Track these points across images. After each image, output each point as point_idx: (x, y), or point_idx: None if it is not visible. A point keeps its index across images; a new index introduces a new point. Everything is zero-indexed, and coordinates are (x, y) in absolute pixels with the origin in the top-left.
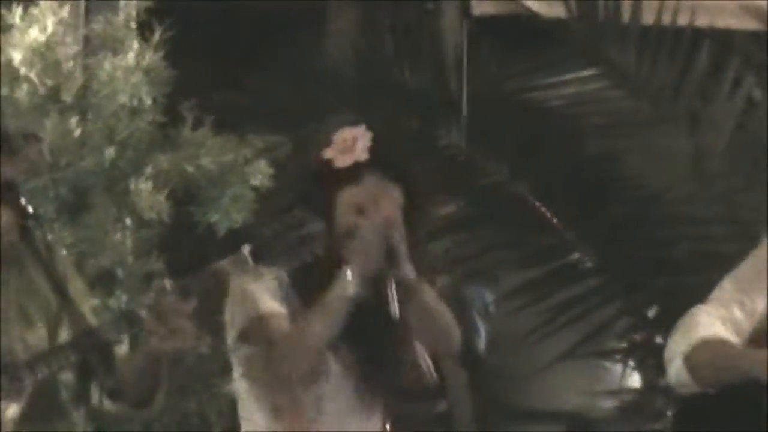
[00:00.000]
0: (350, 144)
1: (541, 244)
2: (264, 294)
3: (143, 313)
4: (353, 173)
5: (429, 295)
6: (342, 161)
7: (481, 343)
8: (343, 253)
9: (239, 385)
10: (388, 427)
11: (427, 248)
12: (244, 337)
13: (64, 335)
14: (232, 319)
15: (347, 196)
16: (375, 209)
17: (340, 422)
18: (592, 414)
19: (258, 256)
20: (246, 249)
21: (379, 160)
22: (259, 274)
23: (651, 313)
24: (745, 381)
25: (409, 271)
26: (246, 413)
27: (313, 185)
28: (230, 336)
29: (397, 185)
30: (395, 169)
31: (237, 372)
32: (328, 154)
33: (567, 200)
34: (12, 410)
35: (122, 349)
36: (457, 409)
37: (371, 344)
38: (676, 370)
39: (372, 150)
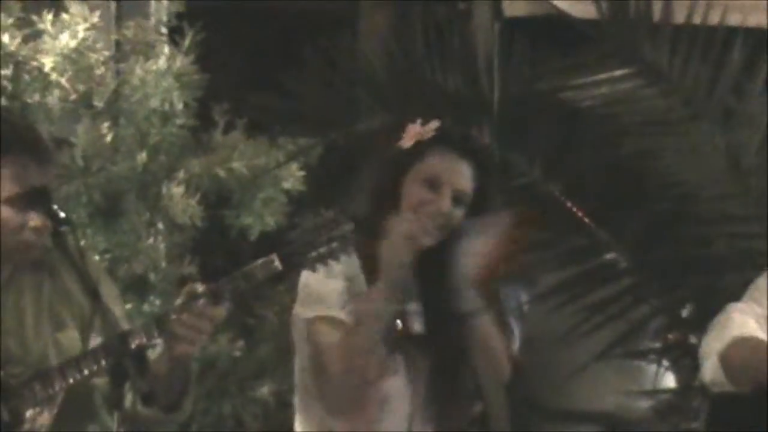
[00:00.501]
0: (416, 132)
1: (575, 244)
2: (327, 295)
3: (170, 317)
4: (419, 151)
5: (485, 322)
6: (407, 142)
7: (514, 342)
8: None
9: (300, 376)
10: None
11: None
12: (306, 335)
13: (96, 340)
14: (297, 310)
15: (414, 174)
16: (446, 183)
17: (401, 425)
18: (628, 414)
19: (288, 261)
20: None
21: (445, 138)
22: (330, 271)
23: (685, 312)
24: None
25: (470, 296)
26: (303, 405)
27: (382, 178)
28: (293, 324)
29: (464, 161)
30: (463, 144)
31: (299, 364)
32: (403, 141)
33: (600, 200)
34: (45, 416)
35: (155, 353)
36: (493, 410)
37: (442, 353)
38: (711, 369)
39: (438, 130)
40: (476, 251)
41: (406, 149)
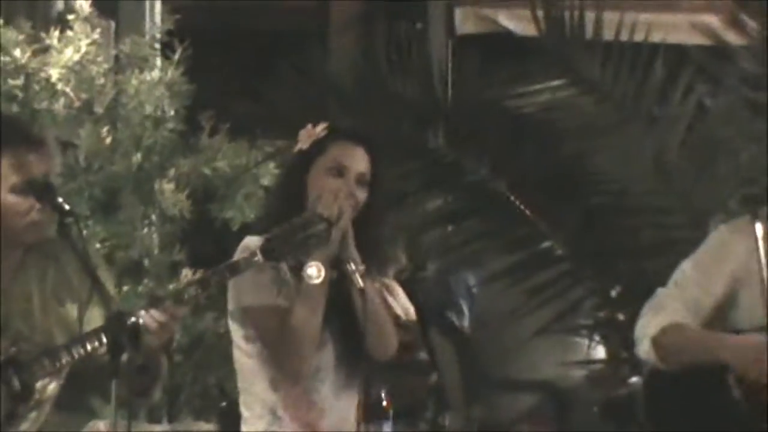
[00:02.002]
0: (310, 133)
1: (518, 234)
2: (261, 285)
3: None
4: (318, 147)
5: (374, 297)
6: (305, 143)
7: (465, 320)
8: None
9: (238, 359)
10: (385, 396)
11: (384, 232)
12: (237, 319)
13: (96, 319)
14: (230, 303)
15: (317, 167)
16: (349, 167)
17: (335, 393)
18: (565, 382)
19: (267, 253)
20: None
21: (340, 131)
22: (260, 267)
23: (615, 293)
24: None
25: (357, 261)
26: (245, 384)
27: (288, 177)
28: (230, 318)
29: (360, 147)
30: (356, 133)
31: (236, 347)
32: (298, 145)
33: (540, 195)
34: (52, 386)
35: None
36: (447, 381)
37: (349, 319)
38: (644, 349)
39: (329, 128)
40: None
41: (305, 149)
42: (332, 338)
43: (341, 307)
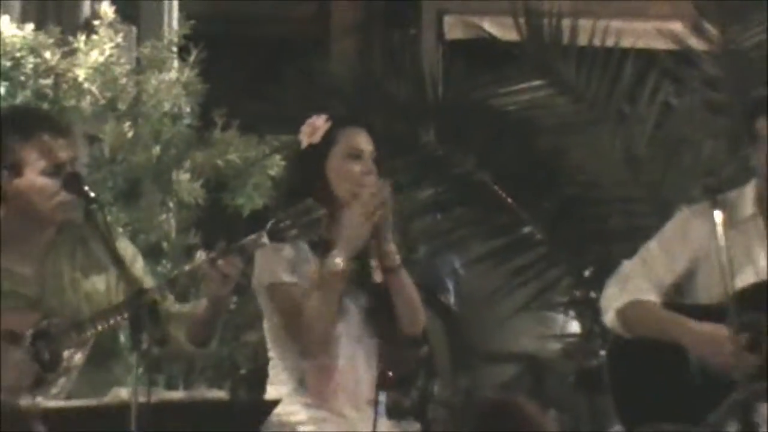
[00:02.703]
0: (314, 127)
1: (500, 220)
2: (279, 265)
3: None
4: (328, 137)
5: (405, 276)
6: (316, 138)
7: (451, 298)
8: (334, 232)
9: (269, 329)
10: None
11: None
12: (262, 295)
13: (120, 295)
14: (258, 281)
15: (334, 155)
16: (364, 149)
17: (352, 363)
18: (543, 354)
19: (273, 235)
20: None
21: (343, 119)
22: (280, 248)
23: (587, 274)
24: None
25: (392, 251)
26: (275, 353)
27: (311, 172)
28: (257, 293)
29: (364, 130)
30: (357, 118)
31: (267, 319)
32: (304, 142)
33: (521, 186)
34: (78, 356)
35: (170, 304)
36: (435, 353)
37: (374, 297)
38: (610, 319)
39: (332, 118)
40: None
41: (317, 142)
42: (358, 314)
43: (368, 286)
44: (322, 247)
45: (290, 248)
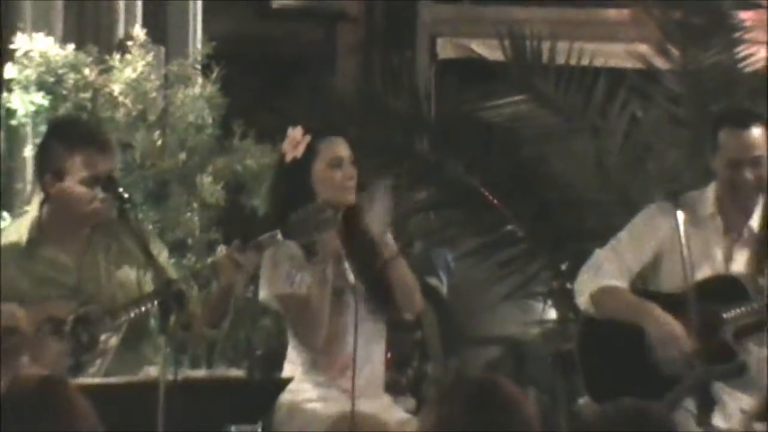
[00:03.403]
0: (294, 140)
1: (486, 219)
2: (279, 279)
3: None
4: (310, 149)
5: (403, 265)
6: (299, 151)
7: (444, 288)
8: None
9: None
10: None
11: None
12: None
13: (148, 285)
14: (264, 293)
15: (318, 164)
16: (344, 156)
17: (362, 347)
18: (524, 338)
19: (287, 234)
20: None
21: (322, 130)
22: (278, 263)
23: (564, 267)
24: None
25: (388, 243)
26: (293, 343)
27: (297, 183)
28: (261, 294)
29: (340, 138)
30: (331, 127)
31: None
32: (289, 155)
33: (505, 189)
34: (113, 339)
35: (194, 292)
36: (428, 337)
37: (373, 285)
38: (583, 301)
39: (309, 130)
40: (382, 209)
41: (300, 157)
42: (359, 302)
43: (367, 276)
44: (311, 252)
45: (287, 259)
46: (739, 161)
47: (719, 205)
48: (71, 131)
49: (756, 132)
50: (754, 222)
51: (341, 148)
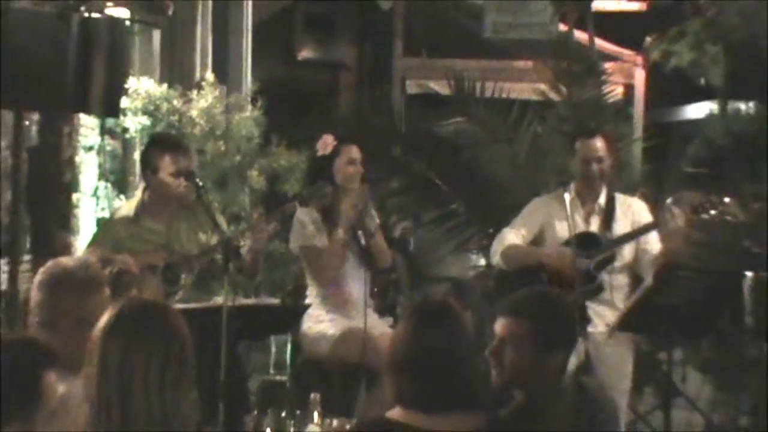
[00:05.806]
0: (326, 143)
1: (439, 200)
2: (305, 234)
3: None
4: (335, 150)
5: (379, 237)
6: (328, 149)
7: (410, 245)
8: (340, 206)
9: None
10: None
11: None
12: (299, 253)
13: (214, 242)
14: (293, 244)
15: (339, 161)
16: (356, 156)
17: (354, 286)
18: (465, 278)
19: (302, 203)
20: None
21: (343, 139)
22: (306, 222)
23: (491, 231)
24: (535, 265)
25: (372, 223)
26: (309, 281)
27: (323, 169)
28: (291, 245)
29: (355, 144)
30: (350, 137)
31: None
32: (320, 152)
33: (452, 179)
34: (188, 279)
35: (243, 249)
36: (401, 278)
37: (362, 249)
38: (496, 260)
39: (336, 137)
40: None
41: (328, 153)
42: (355, 258)
43: (358, 242)
44: (330, 219)
45: (311, 222)
46: (588, 160)
47: (578, 193)
48: (164, 141)
49: (598, 140)
50: (602, 199)
51: (355, 151)
